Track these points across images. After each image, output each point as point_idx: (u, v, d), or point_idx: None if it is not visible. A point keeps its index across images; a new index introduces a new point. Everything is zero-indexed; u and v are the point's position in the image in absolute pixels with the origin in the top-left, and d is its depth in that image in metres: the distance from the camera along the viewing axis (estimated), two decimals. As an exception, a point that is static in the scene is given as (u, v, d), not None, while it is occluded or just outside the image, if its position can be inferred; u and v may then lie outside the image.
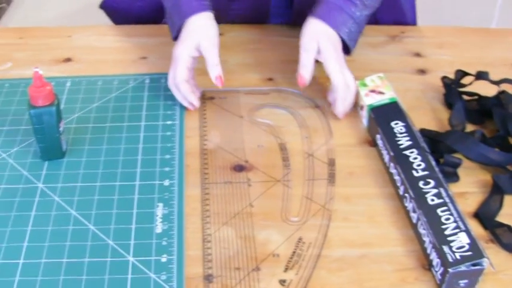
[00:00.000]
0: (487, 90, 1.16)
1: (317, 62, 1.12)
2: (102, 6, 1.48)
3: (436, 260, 0.87)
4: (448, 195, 0.93)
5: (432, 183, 0.94)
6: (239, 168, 1.05)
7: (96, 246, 0.92)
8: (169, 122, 1.13)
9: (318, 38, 1.10)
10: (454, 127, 1.08)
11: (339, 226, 0.95)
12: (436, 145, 1.04)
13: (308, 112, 1.16)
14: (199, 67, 1.15)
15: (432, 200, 0.93)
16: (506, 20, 3.16)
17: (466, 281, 0.86)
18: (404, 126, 1.04)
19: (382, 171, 1.04)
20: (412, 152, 0.99)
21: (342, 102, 1.11)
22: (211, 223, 0.96)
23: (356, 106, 1.15)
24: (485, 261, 0.84)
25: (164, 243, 0.92)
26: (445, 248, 0.86)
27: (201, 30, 1.12)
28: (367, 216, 0.97)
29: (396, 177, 0.99)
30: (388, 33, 1.38)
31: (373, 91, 1.12)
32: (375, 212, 0.98)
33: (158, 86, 1.21)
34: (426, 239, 0.89)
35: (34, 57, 1.32)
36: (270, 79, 1.24)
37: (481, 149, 1.03)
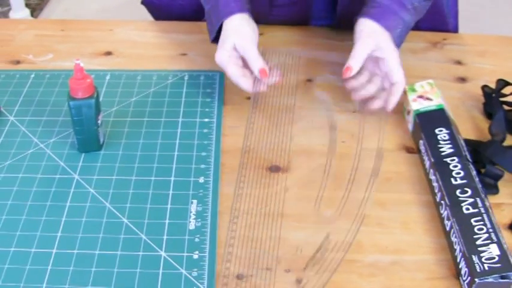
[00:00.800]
0: (528, 101, 1.15)
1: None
2: (144, 2, 1.48)
3: (464, 269, 0.86)
4: (484, 206, 0.92)
5: (469, 192, 0.93)
6: (275, 168, 1.04)
7: (129, 239, 0.92)
8: (206, 120, 1.13)
9: (376, 36, 1.10)
10: (494, 136, 1.06)
11: (372, 231, 0.95)
12: (479, 155, 1.03)
13: (346, 116, 1.15)
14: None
15: (467, 209, 0.92)
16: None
17: (493, 292, 0.85)
18: (448, 133, 1.03)
19: (421, 178, 1.03)
20: (453, 160, 0.98)
21: (397, 98, 1.11)
22: (243, 222, 0.96)
23: (403, 111, 1.15)
24: (514, 275, 0.84)
25: (197, 240, 0.92)
26: (474, 258, 0.85)
27: (235, 31, 1.12)
28: (401, 223, 0.96)
29: (434, 184, 0.98)
30: (430, 39, 1.37)
31: (421, 97, 1.11)
32: (410, 218, 0.97)
33: (197, 82, 1.22)
34: (457, 247, 0.89)
35: (75, 50, 1.33)
36: (309, 80, 1.23)
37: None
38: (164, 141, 1.09)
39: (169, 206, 0.97)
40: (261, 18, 1.24)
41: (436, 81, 1.14)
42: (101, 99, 1.05)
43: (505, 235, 0.91)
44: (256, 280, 0.88)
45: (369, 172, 1.04)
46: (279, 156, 1.07)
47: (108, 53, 1.32)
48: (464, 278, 0.86)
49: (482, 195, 0.93)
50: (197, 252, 0.90)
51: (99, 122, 1.04)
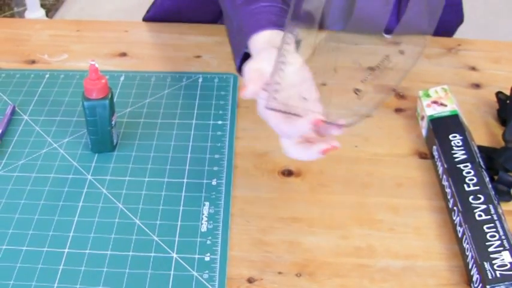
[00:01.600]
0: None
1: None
2: (145, 19, 1.48)
3: (476, 276, 0.86)
4: (497, 213, 0.91)
5: (482, 198, 0.93)
6: (288, 172, 1.04)
7: (141, 240, 0.93)
8: (220, 122, 1.13)
9: None
10: (508, 143, 1.06)
11: (384, 236, 0.95)
12: (493, 162, 1.03)
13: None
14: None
15: (480, 215, 0.91)
16: None
17: (505, 300, 0.85)
18: (462, 139, 1.03)
19: (434, 183, 1.03)
20: (466, 166, 0.98)
21: None
22: (255, 225, 0.96)
23: (417, 116, 1.15)
24: (527, 282, 0.83)
25: (208, 242, 0.92)
26: (486, 265, 0.85)
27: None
28: (414, 228, 0.96)
29: (447, 190, 0.98)
30: (445, 45, 1.37)
31: (435, 102, 1.11)
32: (422, 224, 0.97)
33: (211, 85, 1.22)
34: (469, 253, 0.88)
35: (90, 50, 1.34)
36: (323, 84, 1.23)
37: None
38: (177, 143, 1.09)
39: (181, 207, 0.97)
40: None
41: (450, 86, 1.14)
42: (115, 100, 1.05)
43: (518, 242, 0.91)
44: (267, 284, 0.88)
45: (382, 177, 1.04)
46: (291, 160, 1.07)
47: (123, 54, 1.32)
48: (475, 285, 0.86)
49: (495, 202, 0.93)
50: (209, 254, 0.91)
51: (113, 122, 1.05)
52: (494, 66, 1.32)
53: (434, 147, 1.05)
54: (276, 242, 0.93)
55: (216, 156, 1.06)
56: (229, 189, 1.01)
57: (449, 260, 0.92)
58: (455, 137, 1.04)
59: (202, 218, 0.96)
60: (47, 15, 3.31)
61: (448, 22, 1.40)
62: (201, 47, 1.34)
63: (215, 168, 1.04)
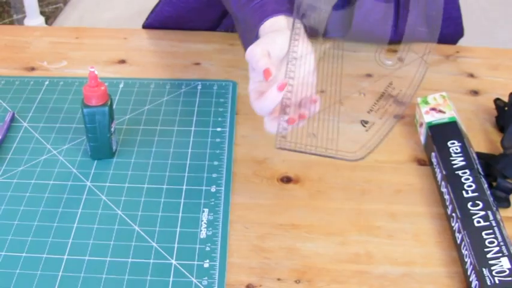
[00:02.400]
0: (541, 115, 1.14)
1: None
2: (145, 26, 1.48)
3: (475, 283, 0.86)
4: (495, 219, 0.92)
5: (481, 205, 0.93)
6: (287, 179, 1.05)
7: (140, 247, 0.93)
8: (219, 129, 1.13)
9: None
10: (506, 150, 1.06)
11: (383, 243, 0.95)
12: (491, 168, 1.03)
13: (357, 127, 1.15)
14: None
15: (478, 222, 0.91)
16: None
17: (504, 306, 0.85)
18: (460, 146, 1.03)
19: (432, 190, 1.03)
20: (464, 173, 0.98)
21: None
22: (254, 232, 0.96)
23: (415, 123, 1.15)
24: (526, 289, 0.83)
25: (207, 248, 0.92)
26: (485, 271, 0.85)
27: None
28: (412, 235, 0.96)
29: (446, 197, 0.98)
30: (443, 52, 1.37)
31: (433, 109, 1.11)
32: (421, 230, 0.97)
33: (210, 92, 1.22)
34: (468, 260, 0.89)
35: (89, 57, 1.34)
36: (322, 91, 1.24)
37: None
38: (176, 150, 1.09)
39: (180, 214, 0.97)
40: None
41: (448, 93, 1.15)
42: (114, 107, 1.06)
43: (516, 249, 0.91)
44: (266, 290, 0.88)
45: (381, 184, 1.04)
46: (290, 167, 1.07)
47: (122, 61, 1.32)
48: (474, 291, 0.86)
49: (494, 209, 0.93)
50: (208, 261, 0.91)
51: (112, 129, 1.05)
52: (493, 73, 1.32)
53: (433, 153, 1.05)
54: (275, 248, 0.94)
55: (215, 163, 1.06)
56: (228, 196, 1.01)
57: (448, 267, 0.92)
58: (454, 143, 1.04)
59: (201, 225, 0.96)
60: (46, 22, 3.31)
61: (447, 36, 1.40)
62: (200, 54, 1.35)
63: (214, 175, 1.04)
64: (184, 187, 1.02)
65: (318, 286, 0.88)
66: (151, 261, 0.91)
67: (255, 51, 0.92)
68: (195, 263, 0.90)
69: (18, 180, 1.03)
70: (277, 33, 0.97)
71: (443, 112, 1.10)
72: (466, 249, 0.89)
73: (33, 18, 3.26)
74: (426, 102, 1.13)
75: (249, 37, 1.03)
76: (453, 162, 1.01)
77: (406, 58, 1.07)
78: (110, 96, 1.03)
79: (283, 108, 0.90)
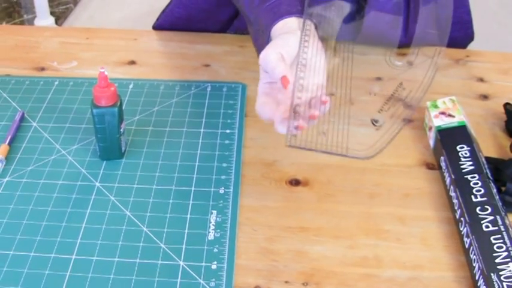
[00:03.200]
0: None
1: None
2: (155, 27, 1.49)
3: (483, 287, 0.86)
4: (504, 224, 0.91)
5: (489, 210, 0.93)
6: (295, 182, 1.04)
7: (148, 248, 0.93)
8: (228, 131, 1.13)
9: None
10: (516, 154, 1.07)
11: (391, 246, 0.95)
12: (500, 173, 1.03)
13: (367, 130, 1.15)
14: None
15: (487, 226, 0.91)
16: None
17: (513, 312, 0.84)
18: (470, 150, 1.03)
19: (441, 194, 1.03)
20: (473, 177, 0.98)
21: None
22: (262, 234, 0.96)
23: (424, 127, 1.15)
24: (535, 294, 0.83)
25: (215, 250, 0.92)
26: (493, 276, 0.85)
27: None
28: (420, 239, 0.96)
29: (454, 201, 0.98)
30: (453, 56, 1.37)
31: (443, 113, 1.11)
32: (429, 234, 0.97)
33: (219, 94, 1.22)
34: (476, 265, 0.88)
35: (99, 58, 1.34)
36: (331, 94, 1.24)
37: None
38: (186, 151, 1.09)
39: (189, 215, 0.98)
40: None
41: (458, 98, 1.14)
42: (123, 107, 1.06)
43: (525, 254, 0.91)
44: (274, 292, 0.88)
45: (389, 188, 1.04)
46: (299, 170, 1.07)
47: (132, 62, 1.33)
48: (483, 297, 0.86)
49: (503, 213, 0.93)
50: (215, 262, 0.91)
51: (122, 130, 1.05)
52: (503, 77, 1.32)
53: (442, 158, 1.05)
54: (283, 251, 0.94)
55: (224, 165, 1.06)
56: (236, 198, 1.01)
57: (456, 271, 0.92)
58: (463, 148, 1.04)
59: (209, 227, 0.96)
60: (56, 22, 3.32)
61: (458, 39, 1.40)
62: (210, 56, 1.35)
63: (223, 177, 1.04)
64: (192, 188, 1.02)
65: (325, 289, 0.89)
66: (159, 262, 0.91)
67: (269, 56, 0.92)
68: (203, 264, 0.90)
69: (27, 179, 1.04)
70: (289, 35, 0.97)
71: (453, 116, 1.10)
72: (475, 254, 0.89)
73: (44, 18, 3.26)
74: (435, 106, 1.13)
75: (261, 38, 1.04)
76: (462, 166, 1.01)
77: (416, 60, 1.07)
78: (120, 97, 1.03)
79: (294, 108, 0.90)
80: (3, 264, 0.90)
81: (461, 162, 1.01)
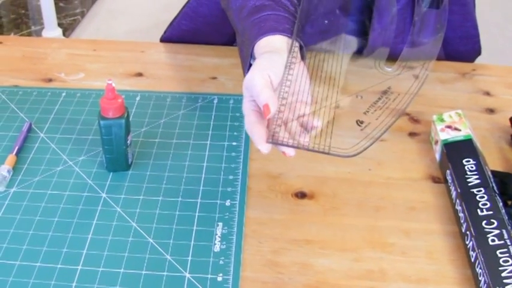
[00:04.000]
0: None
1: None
2: (163, 40, 1.49)
3: (489, 302, 0.86)
4: (510, 238, 0.91)
5: (495, 223, 0.93)
6: (301, 195, 1.05)
7: (154, 259, 0.93)
8: (234, 143, 1.13)
9: None
10: (522, 169, 1.07)
11: (396, 260, 0.95)
12: (506, 187, 1.03)
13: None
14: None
15: (493, 240, 0.91)
16: None
17: (519, 327, 0.84)
18: (476, 164, 1.03)
19: (447, 208, 1.03)
20: (479, 191, 0.98)
21: None
22: (268, 247, 0.96)
23: (430, 140, 1.15)
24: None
25: (221, 262, 0.92)
26: (500, 291, 0.85)
27: (254, 66, 0.97)
28: (426, 252, 0.96)
29: (460, 214, 0.98)
30: (459, 70, 1.37)
31: (449, 127, 1.11)
32: (434, 248, 0.97)
33: (226, 106, 1.22)
34: (482, 279, 0.88)
35: (106, 70, 1.35)
36: (336, 107, 1.24)
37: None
38: (192, 163, 1.09)
39: (195, 227, 0.98)
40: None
41: (464, 111, 1.14)
42: (130, 119, 1.06)
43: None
44: (279, 304, 0.88)
45: (395, 201, 1.04)
46: (305, 183, 1.07)
47: (139, 74, 1.33)
48: (488, 310, 0.86)
49: (509, 227, 0.93)
50: (221, 274, 0.91)
51: (129, 142, 1.05)
52: (509, 91, 1.32)
53: (448, 171, 1.05)
54: (289, 263, 0.94)
55: (230, 177, 1.07)
56: (242, 210, 1.01)
57: (461, 285, 0.92)
58: (469, 161, 1.04)
59: (215, 238, 0.96)
60: (63, 34, 3.34)
61: (465, 54, 1.40)
62: (217, 68, 1.35)
63: (229, 189, 1.04)
64: (199, 200, 1.02)
65: (330, 302, 0.89)
66: (165, 273, 0.91)
67: (255, 80, 0.92)
68: (209, 276, 0.91)
69: (34, 190, 1.04)
70: (273, 55, 0.97)
71: (459, 130, 1.10)
72: (480, 268, 0.89)
73: (51, 30, 3.28)
74: (442, 120, 1.13)
75: (246, 51, 1.04)
76: (468, 180, 1.01)
77: (406, 67, 1.08)
78: (127, 108, 1.04)
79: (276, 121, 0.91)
80: (10, 274, 0.91)
81: (467, 176, 1.02)
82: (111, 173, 1.07)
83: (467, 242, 0.95)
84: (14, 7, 3.63)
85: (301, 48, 1.02)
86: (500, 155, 1.14)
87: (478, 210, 0.96)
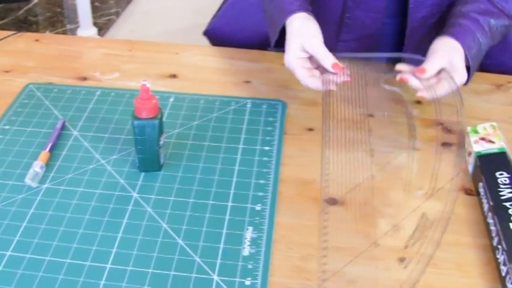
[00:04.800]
0: None
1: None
2: (206, 33, 1.50)
3: (519, 317, 0.85)
4: (542, 253, 0.91)
5: (528, 239, 0.92)
6: (332, 201, 1.04)
7: (183, 260, 0.93)
8: (267, 148, 1.13)
9: (452, 52, 1.14)
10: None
11: (426, 271, 0.94)
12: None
13: (404, 153, 1.15)
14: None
15: (524, 255, 0.91)
16: None
17: None
18: (509, 177, 1.02)
19: (479, 220, 1.02)
20: (512, 205, 0.98)
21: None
22: (298, 252, 0.96)
23: (464, 152, 1.14)
24: None
25: (250, 266, 0.92)
26: (530, 306, 0.84)
27: (299, 31, 1.15)
28: (456, 265, 0.95)
29: (492, 228, 0.97)
30: (494, 82, 1.36)
31: (483, 139, 1.10)
32: (465, 261, 0.96)
33: (259, 110, 1.22)
34: (513, 294, 0.88)
35: (140, 70, 1.35)
36: (370, 115, 1.23)
37: None
38: (223, 167, 1.09)
39: (224, 230, 0.98)
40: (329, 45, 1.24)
41: (499, 123, 1.13)
42: (164, 120, 1.06)
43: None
44: (306, 311, 0.88)
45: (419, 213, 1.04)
46: (336, 189, 1.07)
47: (173, 76, 1.34)
48: (518, 325, 0.85)
49: (541, 242, 0.92)
50: (250, 278, 0.91)
51: (161, 142, 1.06)
52: (544, 105, 1.31)
53: (481, 184, 1.04)
54: (317, 270, 0.93)
55: (262, 181, 1.07)
56: (273, 215, 1.01)
57: (491, 299, 0.91)
58: (502, 174, 1.03)
59: (244, 242, 0.96)
60: (98, 33, 3.36)
61: (504, 62, 1.39)
62: (251, 72, 1.35)
63: (260, 194, 1.04)
64: (229, 204, 1.02)
65: (359, 311, 0.88)
66: (193, 275, 0.91)
67: (318, 45, 1.12)
68: (237, 280, 0.90)
69: (66, 187, 1.05)
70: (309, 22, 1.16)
71: (493, 142, 1.09)
72: (511, 283, 0.88)
73: (86, 29, 3.30)
74: (476, 132, 1.12)
75: (277, 18, 1.20)
76: (501, 193, 1.00)
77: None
78: (161, 109, 1.04)
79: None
80: (39, 269, 0.91)
81: (500, 189, 1.01)
82: (143, 173, 1.08)
83: (498, 256, 0.94)
84: (49, 5, 3.66)
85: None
86: (534, 170, 1.13)
87: (510, 224, 0.95)
